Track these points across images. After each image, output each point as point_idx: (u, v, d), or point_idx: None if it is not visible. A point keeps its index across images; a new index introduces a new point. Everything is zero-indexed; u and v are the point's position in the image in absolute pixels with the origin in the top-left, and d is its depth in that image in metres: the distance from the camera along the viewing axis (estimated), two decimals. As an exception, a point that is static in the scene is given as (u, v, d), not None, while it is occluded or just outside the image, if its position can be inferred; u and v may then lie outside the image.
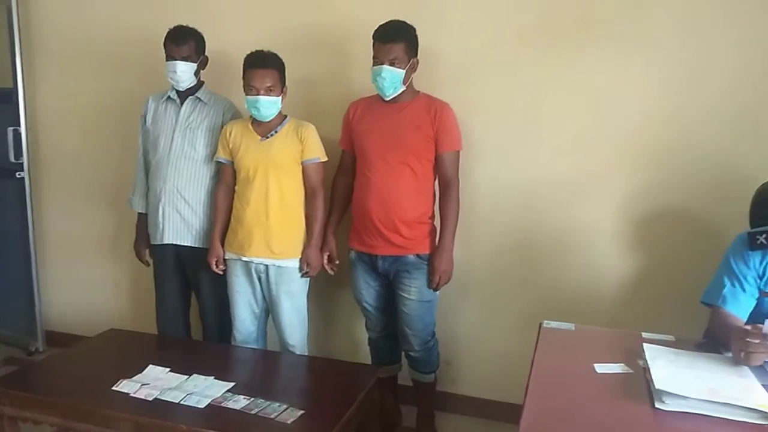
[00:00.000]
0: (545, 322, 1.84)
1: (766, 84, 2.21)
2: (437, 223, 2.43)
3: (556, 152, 2.48)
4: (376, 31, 2.30)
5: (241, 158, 2.45)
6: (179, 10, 2.81)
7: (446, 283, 2.41)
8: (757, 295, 1.77)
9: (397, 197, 2.34)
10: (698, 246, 2.29)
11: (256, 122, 2.45)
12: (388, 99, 2.34)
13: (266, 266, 2.46)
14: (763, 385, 1.44)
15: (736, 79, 2.24)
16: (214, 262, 2.50)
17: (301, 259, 2.45)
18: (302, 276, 2.47)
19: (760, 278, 1.77)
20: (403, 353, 2.60)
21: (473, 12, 2.50)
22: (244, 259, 2.46)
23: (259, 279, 2.50)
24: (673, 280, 2.29)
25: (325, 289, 2.78)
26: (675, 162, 2.33)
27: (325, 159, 2.48)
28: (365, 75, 2.37)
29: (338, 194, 2.53)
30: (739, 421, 1.30)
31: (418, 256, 2.39)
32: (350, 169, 2.50)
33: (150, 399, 2.01)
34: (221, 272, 2.52)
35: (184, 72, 2.53)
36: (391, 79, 2.28)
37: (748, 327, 1.56)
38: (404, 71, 2.29)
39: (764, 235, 1.75)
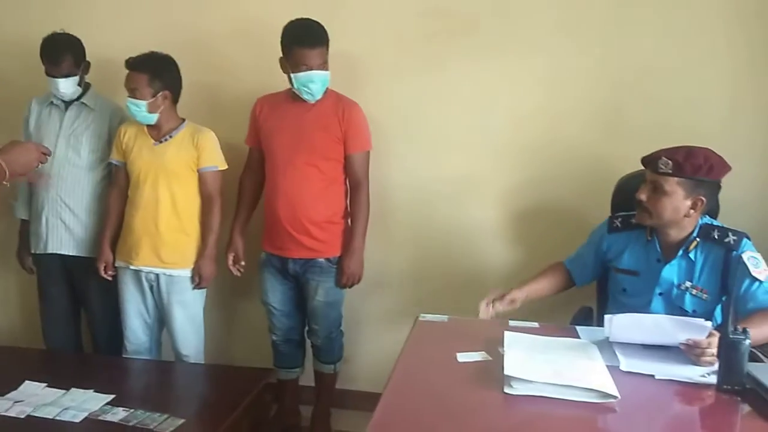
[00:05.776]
0: (421, 315, 1.90)
1: (621, 88, 2.41)
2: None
3: (441, 153, 2.57)
4: (295, 35, 2.21)
5: (133, 161, 2.39)
6: (59, 15, 2.68)
7: (356, 283, 2.42)
8: (597, 268, 2.05)
9: (305, 199, 2.31)
10: (575, 235, 2.42)
11: (150, 125, 2.39)
12: (313, 102, 2.29)
13: (157, 275, 2.41)
14: (608, 365, 1.54)
15: (593, 87, 2.42)
16: (102, 267, 2.42)
17: (193, 269, 2.40)
18: (194, 288, 2.42)
19: (605, 253, 2.00)
20: (304, 357, 2.60)
21: (377, 17, 2.53)
22: (133, 267, 2.40)
23: (151, 288, 2.44)
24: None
25: (228, 294, 2.75)
26: (545, 161, 2.49)
27: (225, 167, 2.43)
28: (262, 75, 2.36)
29: (246, 193, 2.46)
30: (578, 401, 1.37)
31: (328, 260, 2.38)
32: (258, 167, 2.43)
33: (22, 416, 1.95)
34: (110, 278, 2.44)
35: (66, 88, 2.44)
36: (323, 83, 2.24)
37: None
38: (329, 72, 2.25)
39: (619, 219, 1.98)
